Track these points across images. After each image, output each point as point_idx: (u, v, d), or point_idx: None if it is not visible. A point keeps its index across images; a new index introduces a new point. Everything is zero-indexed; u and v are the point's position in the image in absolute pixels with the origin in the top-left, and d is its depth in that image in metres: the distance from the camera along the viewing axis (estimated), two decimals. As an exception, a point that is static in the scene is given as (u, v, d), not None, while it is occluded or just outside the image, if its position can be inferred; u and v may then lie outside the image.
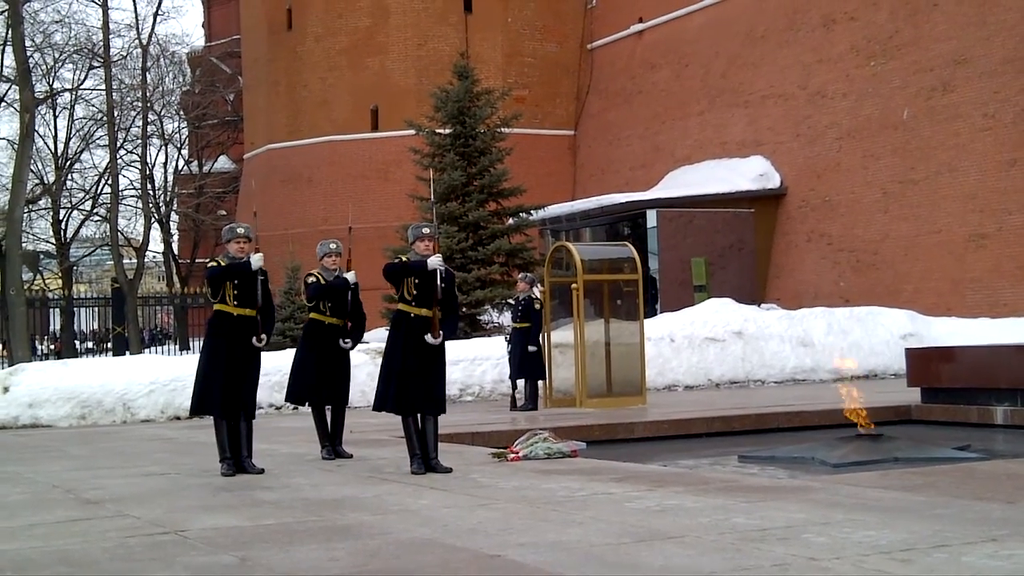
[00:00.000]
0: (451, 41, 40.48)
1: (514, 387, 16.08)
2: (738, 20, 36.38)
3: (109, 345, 39.53)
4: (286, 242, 36.15)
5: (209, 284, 9.26)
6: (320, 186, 41.78)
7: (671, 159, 37.34)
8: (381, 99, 41.12)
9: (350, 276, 10.47)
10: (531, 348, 15.83)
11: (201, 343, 9.59)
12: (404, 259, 9.05)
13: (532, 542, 5.89)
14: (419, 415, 8.91)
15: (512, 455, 9.57)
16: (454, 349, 18.92)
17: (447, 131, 27.75)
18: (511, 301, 20.35)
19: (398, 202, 35.10)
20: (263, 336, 9.29)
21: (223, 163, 58.28)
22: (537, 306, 15.95)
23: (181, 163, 58.53)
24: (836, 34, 32.69)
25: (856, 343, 21.06)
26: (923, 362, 14.16)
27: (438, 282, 8.90)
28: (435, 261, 8.84)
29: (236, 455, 9.39)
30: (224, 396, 9.21)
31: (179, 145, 58.58)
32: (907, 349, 15.17)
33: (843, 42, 32.37)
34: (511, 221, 27.62)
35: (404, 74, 41.17)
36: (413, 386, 8.81)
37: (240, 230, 9.41)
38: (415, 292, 8.94)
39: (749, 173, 33.57)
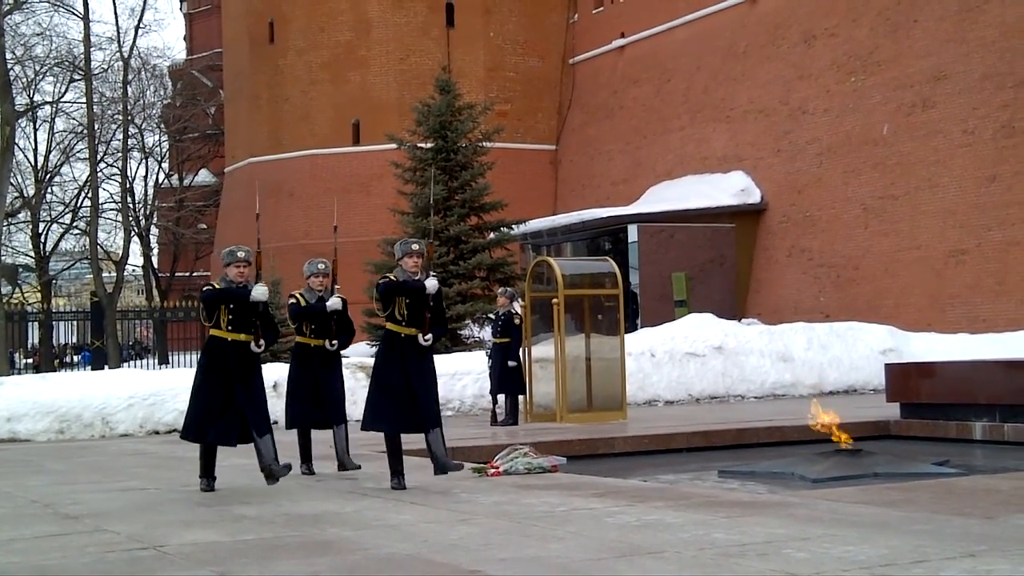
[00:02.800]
0: (433, 55, 40.51)
1: (495, 402, 16.07)
2: (720, 36, 36.52)
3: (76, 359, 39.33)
4: (267, 256, 35.99)
5: (204, 307, 9.14)
6: (301, 200, 41.74)
7: (652, 174, 37.42)
8: (363, 113, 41.12)
9: (334, 302, 10.29)
10: (511, 363, 15.82)
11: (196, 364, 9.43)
12: (393, 278, 8.94)
13: (512, 557, 5.88)
14: (424, 432, 8.93)
15: (492, 470, 9.56)
16: (435, 364, 18.89)
17: (429, 145, 27.76)
18: (492, 316, 20.35)
19: (380, 216, 35.08)
20: (261, 341, 9.13)
21: (204, 176, 58.15)
22: (517, 321, 15.94)
23: (162, 176, 58.41)
24: (817, 50, 32.85)
25: (836, 358, 21.11)
26: (902, 378, 14.20)
27: (429, 303, 8.87)
28: (432, 284, 8.78)
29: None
30: (213, 423, 9.03)
31: (160, 158, 58.48)
32: (886, 364, 15.21)
33: (824, 58, 32.52)
34: (492, 235, 27.62)
35: (386, 88, 41.18)
36: (410, 405, 8.79)
37: (240, 254, 9.22)
38: (406, 312, 8.89)
39: (730, 188, 33.67)
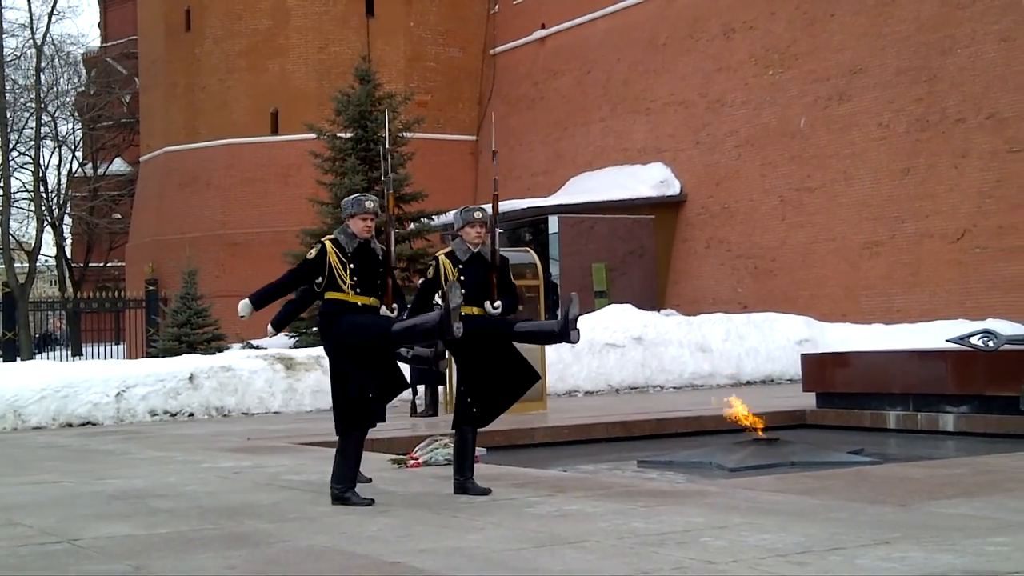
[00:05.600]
0: (353, 45, 40.23)
1: (414, 393, 16.02)
2: (640, 28, 36.69)
3: None
4: (183, 246, 35.65)
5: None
6: (218, 189, 41.28)
7: (573, 165, 37.52)
8: (281, 102, 40.76)
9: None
10: (384, 310, 15.72)
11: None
12: (444, 257, 7.89)
13: (432, 548, 5.87)
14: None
15: (412, 461, 9.53)
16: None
17: (348, 135, 27.58)
18: (411, 306, 20.23)
19: (298, 206, 34.79)
20: (395, 306, 7.73)
21: (118, 165, 57.30)
22: (438, 311, 15.89)
23: (75, 165, 57.45)
24: (735, 43, 33.12)
25: (753, 349, 21.32)
26: (818, 367, 14.37)
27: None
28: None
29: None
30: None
31: (73, 147, 57.47)
32: (803, 355, 15.38)
33: (742, 51, 32.81)
34: (412, 226, 27.53)
35: (305, 77, 40.85)
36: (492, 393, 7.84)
37: (368, 203, 7.72)
38: (463, 290, 7.69)
39: (650, 180, 33.85)
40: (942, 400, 12.57)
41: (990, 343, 11.71)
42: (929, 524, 6.12)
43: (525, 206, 32.19)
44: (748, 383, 20.47)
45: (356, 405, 7.31)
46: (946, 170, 26.84)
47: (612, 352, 20.19)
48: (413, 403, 16.00)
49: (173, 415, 16.71)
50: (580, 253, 30.38)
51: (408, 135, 28.10)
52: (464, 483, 7.77)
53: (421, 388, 15.97)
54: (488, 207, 8.13)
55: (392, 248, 7.68)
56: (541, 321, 7.81)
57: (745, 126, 32.10)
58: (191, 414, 16.77)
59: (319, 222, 27.42)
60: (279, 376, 17.61)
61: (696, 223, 33.02)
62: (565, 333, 7.75)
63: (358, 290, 7.52)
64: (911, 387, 12.92)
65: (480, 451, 9.86)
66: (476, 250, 7.86)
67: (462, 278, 7.77)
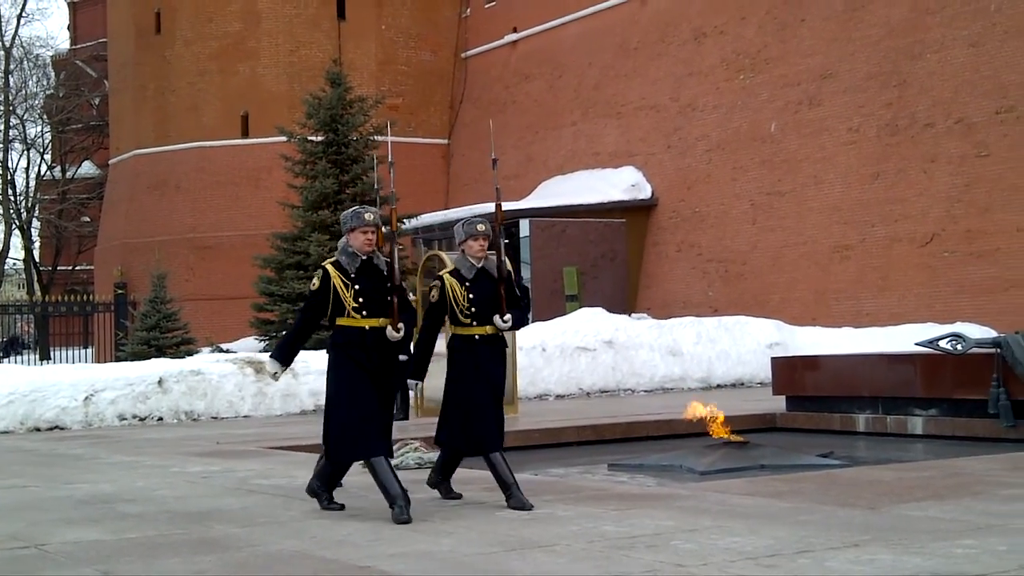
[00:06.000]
0: (324, 48, 40.17)
1: (386, 396, 15.95)
2: (611, 32, 36.75)
3: None
4: (152, 250, 35.49)
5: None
6: (188, 193, 41.10)
7: (544, 169, 37.55)
8: (252, 105, 40.63)
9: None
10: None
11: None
12: (448, 275, 7.62)
13: (402, 552, 5.85)
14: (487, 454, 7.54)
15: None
16: (324, 358, 18.75)
17: (319, 138, 27.52)
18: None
19: (268, 209, 34.70)
20: (400, 325, 7.48)
21: (87, 169, 57.02)
22: (410, 315, 15.83)
23: (44, 168, 57.13)
24: (706, 48, 33.22)
25: (724, 352, 21.36)
26: (788, 371, 14.40)
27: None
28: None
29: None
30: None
31: (42, 150, 57.18)
32: (773, 358, 15.42)
33: (713, 55, 32.91)
34: (384, 230, 27.46)
35: (276, 80, 40.75)
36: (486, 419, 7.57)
37: (368, 216, 7.25)
38: (473, 309, 7.47)
39: (621, 184, 33.91)
40: (911, 403, 12.62)
41: (958, 347, 11.77)
42: (898, 527, 6.14)
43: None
44: (719, 386, 20.51)
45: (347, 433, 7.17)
46: (915, 174, 26.99)
47: (583, 356, 20.20)
48: (384, 407, 15.94)
49: (142, 419, 16.61)
50: (551, 257, 30.40)
51: (379, 138, 28.05)
52: (439, 482, 7.77)
53: (392, 392, 15.89)
54: (490, 211, 7.85)
55: (396, 264, 7.31)
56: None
57: (716, 130, 32.20)
58: (160, 418, 16.67)
59: (290, 225, 27.35)
60: (249, 380, 17.53)
61: (667, 227, 33.08)
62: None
63: (364, 313, 7.20)
64: (880, 390, 12.97)
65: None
66: (481, 264, 7.54)
67: (471, 296, 7.47)
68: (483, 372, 7.51)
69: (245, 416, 17.12)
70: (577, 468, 11.28)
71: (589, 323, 21.14)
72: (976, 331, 19.50)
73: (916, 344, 12.46)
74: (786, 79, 30.49)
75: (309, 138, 27.81)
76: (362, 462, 7.31)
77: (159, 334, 27.48)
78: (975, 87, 26.04)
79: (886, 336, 21.56)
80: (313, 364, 18.27)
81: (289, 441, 12.36)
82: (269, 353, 7.56)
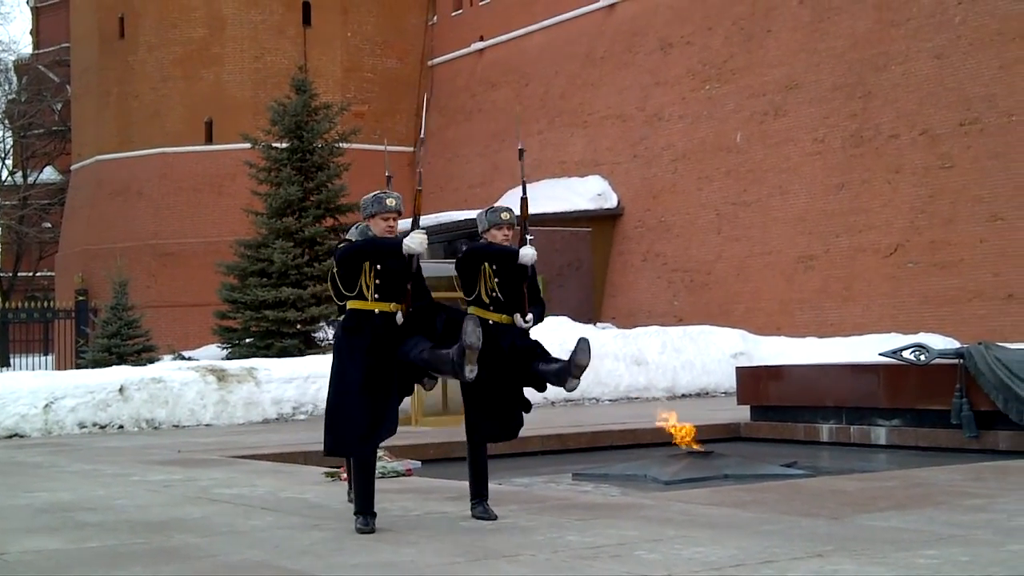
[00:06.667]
0: (289, 54, 40.06)
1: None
2: (578, 41, 36.82)
3: None
4: (114, 256, 35.27)
5: (340, 271, 6.87)
6: (150, 199, 40.87)
7: (510, 177, 37.53)
8: (216, 111, 40.45)
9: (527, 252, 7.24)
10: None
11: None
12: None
13: (365, 562, 5.81)
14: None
15: (345, 475, 9.42)
16: (288, 366, 18.67)
17: (284, 145, 27.41)
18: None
19: (232, 216, 34.55)
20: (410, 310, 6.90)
21: (49, 174, 56.61)
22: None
23: (5, 174, 56.71)
24: (673, 58, 33.33)
25: (689, 362, 21.39)
26: (752, 380, 14.43)
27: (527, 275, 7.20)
28: (530, 253, 7.09)
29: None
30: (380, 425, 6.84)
31: (3, 155, 56.76)
32: (737, 368, 15.44)
33: (680, 66, 33.01)
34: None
35: (240, 86, 40.59)
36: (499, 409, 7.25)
37: (390, 201, 6.94)
38: (497, 290, 7.16)
39: (587, 193, 33.95)
40: (874, 413, 12.67)
41: (922, 357, 11.83)
42: (861, 537, 6.14)
43: (462, 218, 32.13)
44: (683, 396, 20.54)
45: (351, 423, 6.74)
46: (880, 185, 27.16)
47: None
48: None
49: (102, 427, 16.46)
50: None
51: (344, 145, 27.98)
52: (481, 501, 7.17)
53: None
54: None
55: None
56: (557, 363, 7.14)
57: (682, 140, 32.30)
58: (121, 426, 16.53)
59: (254, 232, 27.22)
60: (211, 388, 17.42)
61: (633, 236, 33.14)
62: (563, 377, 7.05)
63: (378, 296, 6.79)
64: (844, 400, 13.01)
65: (413, 464, 9.81)
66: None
67: (496, 280, 7.17)
68: (502, 355, 7.11)
69: (207, 424, 17.01)
70: (542, 477, 11.26)
71: (554, 332, 21.10)
72: (939, 342, 19.61)
73: (880, 354, 12.51)
74: (752, 89, 30.62)
75: (273, 145, 27.70)
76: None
77: (120, 341, 27.29)
78: (939, 99, 26.24)
79: (850, 346, 21.65)
80: (276, 372, 18.20)
81: (251, 450, 12.28)
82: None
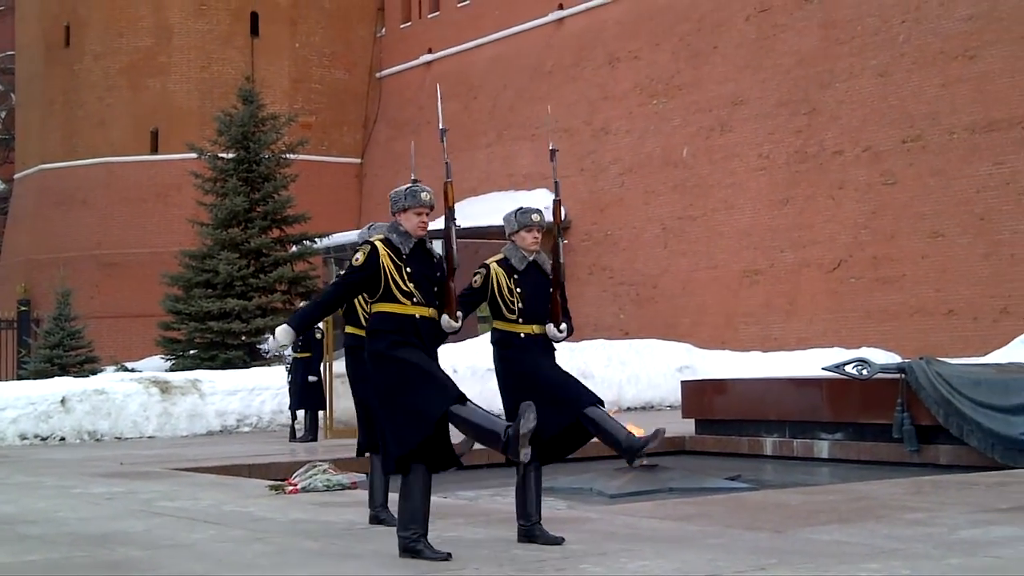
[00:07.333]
0: (236, 64, 39.83)
1: (294, 418, 15.84)
2: (526, 55, 36.91)
3: None
4: (57, 266, 34.90)
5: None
6: (95, 209, 40.48)
7: (458, 190, 36.67)
8: (162, 121, 40.15)
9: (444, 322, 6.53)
10: (312, 378, 15.63)
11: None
12: (496, 263, 6.94)
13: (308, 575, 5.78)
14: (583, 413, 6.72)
15: (290, 487, 9.38)
16: (232, 378, 18.55)
17: (230, 155, 27.25)
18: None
19: (177, 227, 34.28)
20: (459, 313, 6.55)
21: (-8, 183, 55.92)
22: (319, 335, 15.75)
23: (-53, 181, 55.95)
24: (620, 72, 33.48)
25: (634, 375, 21.46)
26: (697, 394, 14.50)
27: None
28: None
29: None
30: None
31: (-55, 162, 55.98)
32: (682, 381, 15.51)
33: (627, 80, 33.17)
34: (294, 248, 27.27)
35: (187, 96, 40.31)
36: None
37: (424, 195, 6.43)
38: (520, 305, 6.80)
39: (535, 206, 33.95)
40: (817, 427, 12.76)
41: (864, 372, 11.93)
42: (804, 550, 6.19)
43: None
44: (629, 409, 20.59)
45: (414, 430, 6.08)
46: (823, 201, 27.42)
47: (494, 378, 20.15)
48: (292, 428, 15.81)
49: (44, 439, 16.28)
50: (464, 278, 30.32)
51: (291, 157, 27.86)
52: (531, 529, 6.66)
53: (301, 413, 15.79)
54: (543, 212, 7.05)
55: (454, 248, 6.50)
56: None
57: (629, 154, 32.44)
58: (63, 438, 16.36)
59: (199, 243, 27.03)
60: (154, 400, 17.28)
61: (579, 249, 33.22)
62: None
63: (414, 299, 6.25)
64: (787, 414, 13.09)
65: (359, 477, 9.77)
66: (532, 258, 6.87)
67: (519, 290, 6.79)
68: (541, 364, 6.79)
69: (150, 437, 16.87)
70: (488, 490, 11.26)
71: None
72: (882, 356, 19.81)
73: (823, 369, 12.61)
74: (698, 105, 30.82)
75: (220, 155, 27.53)
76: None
77: (63, 352, 27.01)
78: (883, 116, 26.54)
79: (793, 360, 21.80)
80: (220, 384, 18.08)
81: (195, 463, 12.19)
82: (285, 321, 6.42)
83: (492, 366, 7.21)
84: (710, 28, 31.07)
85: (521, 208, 6.99)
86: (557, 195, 7.13)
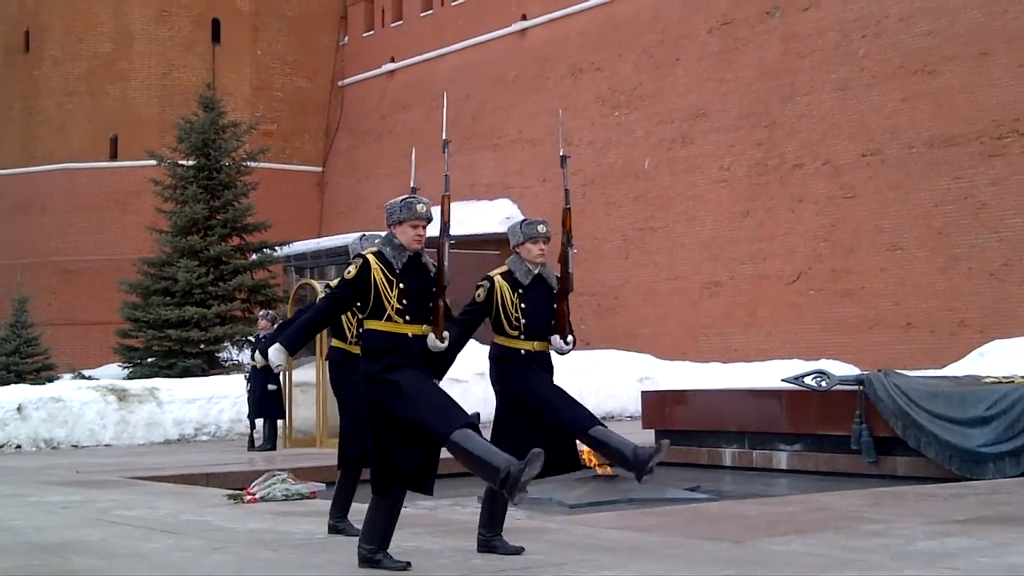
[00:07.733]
0: (197, 71, 39.67)
1: (252, 427, 15.74)
2: (490, 65, 36.94)
3: None
4: (14, 273, 34.59)
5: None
6: (53, 215, 40.17)
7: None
8: (121, 127, 39.91)
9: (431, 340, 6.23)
10: (271, 387, 15.54)
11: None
12: (500, 275, 6.78)
13: (266, 586, 5.73)
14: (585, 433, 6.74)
15: (249, 497, 9.32)
16: (190, 387, 18.42)
17: (190, 163, 27.13)
18: (252, 339, 19.98)
19: (136, 234, 34.06)
20: (445, 334, 6.32)
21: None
22: (278, 344, 15.63)
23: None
24: (583, 83, 33.57)
25: (595, 386, 21.47)
26: (657, 405, 14.52)
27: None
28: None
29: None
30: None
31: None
32: (643, 392, 15.54)
33: (590, 91, 33.26)
34: (254, 257, 27.16)
35: (147, 103, 40.10)
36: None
37: (420, 207, 6.44)
38: (523, 320, 6.65)
39: (496, 215, 34.00)
40: (776, 438, 12.80)
41: (823, 383, 11.99)
42: (762, 561, 6.20)
43: (331, 244, 31.95)
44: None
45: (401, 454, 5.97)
46: (783, 213, 27.57)
47: (455, 387, 20.11)
48: (251, 437, 15.72)
49: (0, 447, 16.11)
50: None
51: (252, 164, 27.75)
52: (491, 539, 6.65)
53: (259, 422, 15.70)
54: (547, 224, 6.89)
55: (445, 264, 6.34)
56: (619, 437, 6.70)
57: (591, 165, 32.51)
58: (19, 446, 16.20)
59: (158, 251, 26.87)
60: (111, 408, 17.14)
61: (541, 260, 33.23)
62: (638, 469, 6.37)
63: (407, 317, 6.00)
64: (747, 425, 13.13)
65: (318, 486, 9.72)
66: (537, 271, 6.70)
67: (523, 305, 6.62)
68: (539, 386, 6.72)
69: (107, 445, 16.73)
70: (447, 500, 11.21)
71: (462, 354, 21.06)
72: (840, 368, 19.90)
73: (782, 380, 12.66)
74: (660, 117, 30.94)
75: (180, 162, 27.42)
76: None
77: (19, 359, 26.79)
78: (842, 130, 26.73)
79: (753, 372, 21.89)
80: (178, 392, 17.95)
81: (152, 471, 12.08)
82: (277, 342, 6.22)
83: (452, 375, 7.17)
84: (673, 40, 31.20)
85: (526, 219, 6.81)
86: (567, 203, 6.95)
